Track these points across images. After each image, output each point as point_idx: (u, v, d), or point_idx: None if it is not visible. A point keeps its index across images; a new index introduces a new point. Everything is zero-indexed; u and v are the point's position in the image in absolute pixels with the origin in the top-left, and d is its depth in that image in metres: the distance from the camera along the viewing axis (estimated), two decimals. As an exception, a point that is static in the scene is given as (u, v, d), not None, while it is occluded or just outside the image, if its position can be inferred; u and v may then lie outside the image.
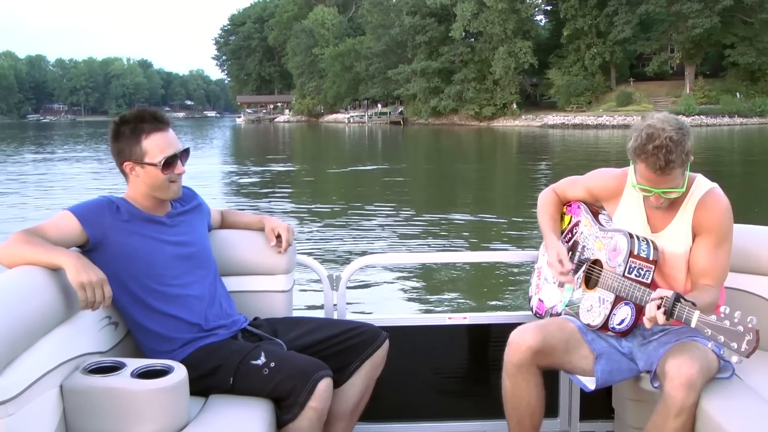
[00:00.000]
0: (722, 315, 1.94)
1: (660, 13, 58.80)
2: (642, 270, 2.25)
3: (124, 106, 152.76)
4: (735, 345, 1.90)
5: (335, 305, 2.73)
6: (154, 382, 1.88)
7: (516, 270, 8.33)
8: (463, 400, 2.88)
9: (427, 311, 7.33)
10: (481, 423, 2.80)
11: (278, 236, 2.51)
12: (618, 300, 2.27)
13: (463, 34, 67.86)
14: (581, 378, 2.36)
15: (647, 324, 2.09)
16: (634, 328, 2.31)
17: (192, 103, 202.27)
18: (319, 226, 12.43)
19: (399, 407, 2.82)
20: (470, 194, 18.13)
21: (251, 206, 15.05)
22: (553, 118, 59.68)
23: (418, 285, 8.48)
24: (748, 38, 55.51)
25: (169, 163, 2.22)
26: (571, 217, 2.60)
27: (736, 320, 1.91)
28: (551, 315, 2.52)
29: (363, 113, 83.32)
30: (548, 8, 72.85)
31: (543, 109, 65.97)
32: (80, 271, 1.92)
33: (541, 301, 2.60)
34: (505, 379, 2.33)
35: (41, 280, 1.91)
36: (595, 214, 2.53)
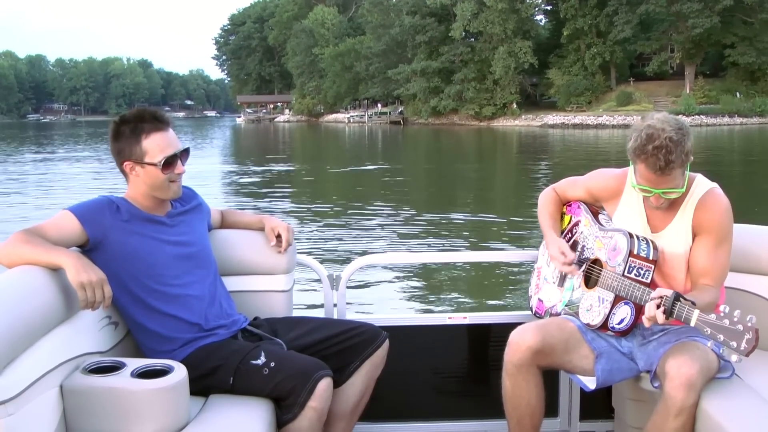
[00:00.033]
0: (722, 314, 1.94)
1: (660, 12, 58.73)
2: (642, 269, 2.26)
3: (124, 106, 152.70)
4: (734, 344, 1.90)
5: (335, 305, 2.73)
6: (154, 382, 1.88)
7: (516, 270, 8.34)
8: (463, 400, 2.88)
9: (427, 311, 7.31)
10: (481, 423, 2.81)
11: (278, 236, 2.51)
12: (617, 299, 2.28)
13: (463, 33, 67.75)
14: (581, 378, 2.36)
15: (647, 323, 2.09)
16: (633, 328, 2.31)
17: (192, 102, 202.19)
18: (319, 226, 12.41)
19: (399, 407, 2.82)
20: (470, 194, 18.10)
21: (251, 206, 15.03)
22: (553, 118, 59.59)
23: (418, 285, 8.47)
24: (748, 38, 55.46)
25: (169, 162, 2.22)
26: (571, 216, 2.60)
27: (735, 319, 1.91)
28: (551, 315, 2.52)
29: (363, 113, 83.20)
30: (548, 8, 72.77)
31: (543, 109, 65.86)
32: (80, 271, 1.92)
33: (540, 300, 2.60)
34: (505, 379, 2.33)
35: (41, 280, 1.91)
36: (595, 214, 2.54)
